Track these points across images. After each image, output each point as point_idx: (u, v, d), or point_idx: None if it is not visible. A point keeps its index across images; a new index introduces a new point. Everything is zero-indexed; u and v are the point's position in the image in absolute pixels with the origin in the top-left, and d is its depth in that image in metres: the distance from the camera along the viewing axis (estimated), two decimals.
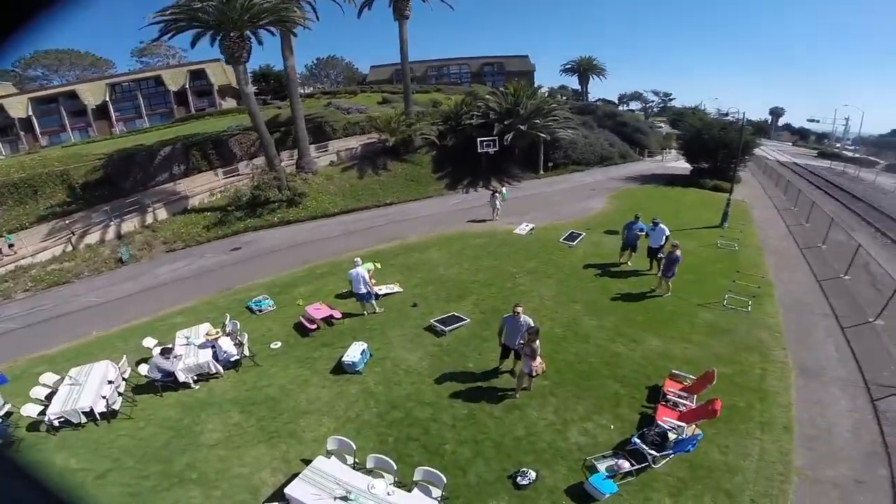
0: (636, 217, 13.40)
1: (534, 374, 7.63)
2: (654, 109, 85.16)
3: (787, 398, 8.06)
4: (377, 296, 12.05)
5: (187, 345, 9.68)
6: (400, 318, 11.37)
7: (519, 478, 6.28)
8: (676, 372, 8.27)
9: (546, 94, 36.77)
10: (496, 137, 25.98)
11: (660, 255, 12.62)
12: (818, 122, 63.00)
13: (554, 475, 6.44)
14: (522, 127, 27.07)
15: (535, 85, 41.86)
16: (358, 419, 7.88)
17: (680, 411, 7.24)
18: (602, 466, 6.23)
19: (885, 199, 28.43)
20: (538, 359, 7.46)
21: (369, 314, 11.56)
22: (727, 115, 32.51)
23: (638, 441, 6.38)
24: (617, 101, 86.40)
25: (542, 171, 30.41)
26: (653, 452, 6.22)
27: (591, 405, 7.83)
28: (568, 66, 64.33)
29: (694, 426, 6.74)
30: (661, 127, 54.95)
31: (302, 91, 53.24)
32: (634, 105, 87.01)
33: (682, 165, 32.89)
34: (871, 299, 12.13)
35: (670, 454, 6.27)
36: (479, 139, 25.54)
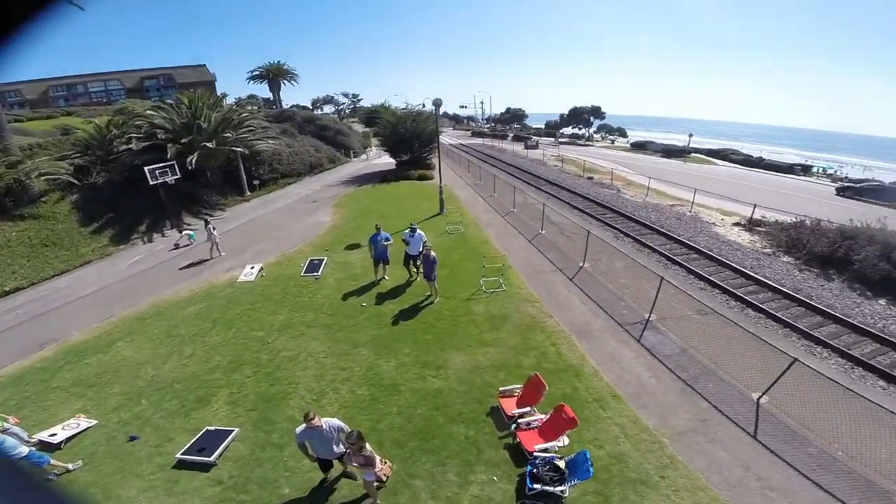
0: (377, 228, 11.97)
1: (383, 479, 5.69)
2: (347, 111, 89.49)
3: (589, 366, 8.46)
4: (52, 447, 6.99)
5: None
6: (122, 465, 6.65)
7: None
8: (503, 388, 7.49)
9: (234, 104, 31.54)
10: (173, 162, 19.80)
11: (418, 261, 11.77)
12: (466, 107, 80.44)
13: None
14: (210, 144, 21.75)
15: (219, 94, 35.69)
16: None
17: (537, 428, 6.56)
18: None
19: (524, 162, 38.41)
20: (378, 461, 5.43)
21: (60, 477, 6.50)
22: (424, 107, 36.03)
23: (537, 486, 5.64)
24: (311, 106, 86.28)
25: (248, 192, 25.87)
26: (560, 487, 5.61)
27: (458, 466, 6.32)
28: (256, 73, 58.57)
29: (564, 438, 6.25)
30: (367, 129, 57.95)
31: None
32: (328, 108, 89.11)
33: (387, 161, 34.79)
34: (569, 246, 14.92)
35: (574, 482, 5.67)
36: (147, 168, 18.74)
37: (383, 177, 29.39)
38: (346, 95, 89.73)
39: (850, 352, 9.21)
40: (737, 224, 18.86)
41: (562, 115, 70.22)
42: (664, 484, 5.93)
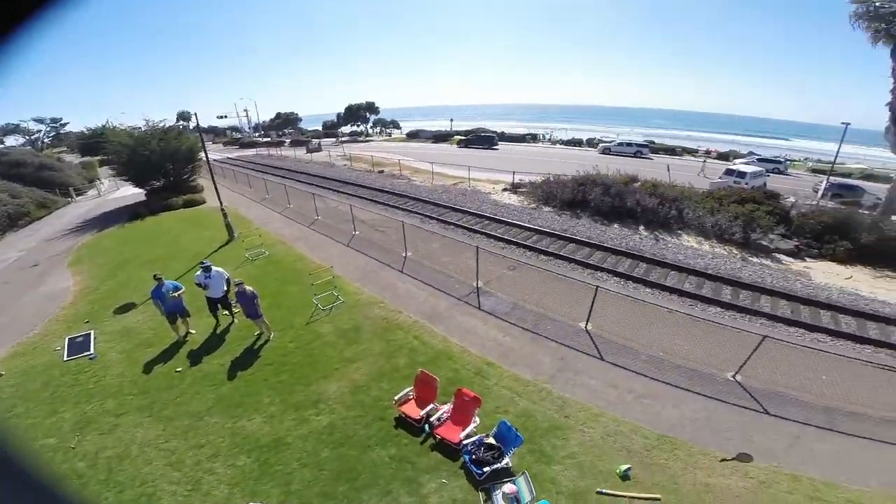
0: (157, 279, 9.49)
1: None
2: (46, 140, 67.21)
3: (455, 345, 8.99)
4: None
5: None
6: None
7: None
8: (397, 396, 7.17)
9: None
10: None
11: (231, 302, 10.04)
12: (226, 116, 70.30)
13: None
14: None
15: None
16: None
17: (449, 419, 6.74)
18: None
19: (311, 166, 36.89)
20: None
21: None
22: (183, 124, 29.57)
23: (486, 468, 5.85)
24: None
25: None
26: (504, 460, 5.97)
27: (403, 487, 5.96)
28: None
29: (476, 418, 6.62)
30: (88, 159, 44.60)
31: None
32: (13, 140, 64.98)
33: (131, 192, 28.42)
34: (386, 239, 15.21)
35: (512, 450, 6.09)
36: None
37: (133, 212, 23.48)
38: (40, 121, 67.16)
39: (617, 270, 12.46)
40: (505, 189, 22.72)
41: (339, 115, 69.89)
42: (572, 422, 6.87)
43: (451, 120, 56.47)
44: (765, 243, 14.82)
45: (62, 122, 68.10)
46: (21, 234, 22.57)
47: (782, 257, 14.35)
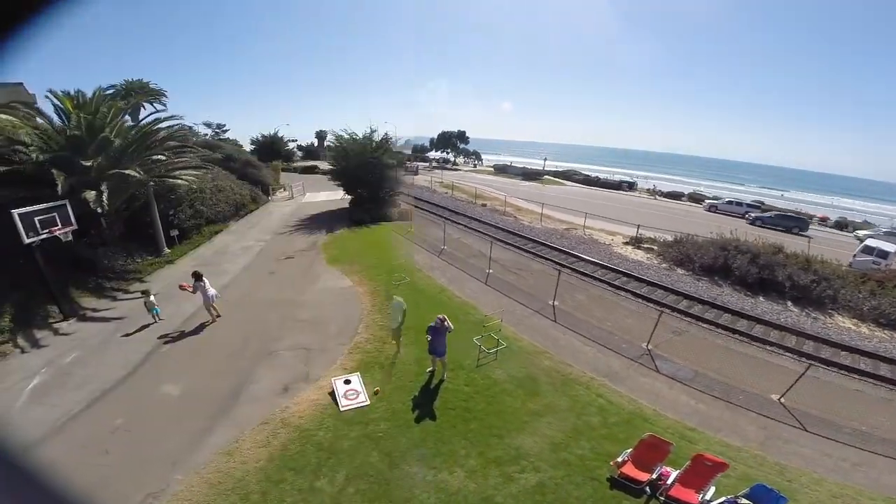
0: (440, 320, 9.01)
1: None
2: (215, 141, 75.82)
3: (646, 408, 9.07)
4: None
5: None
6: None
7: None
8: (619, 458, 7.13)
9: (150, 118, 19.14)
10: (65, 202, 12.10)
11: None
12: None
13: None
14: (131, 171, 14.28)
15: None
16: None
17: (680, 482, 6.71)
18: None
19: (414, 190, 36.98)
20: None
21: None
22: (389, 134, 28.63)
23: None
24: None
25: (166, 250, 17.81)
26: None
27: None
28: (111, 92, 43.66)
29: (712, 484, 6.61)
30: (276, 164, 49.76)
31: None
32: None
33: (329, 198, 30.65)
34: (522, 283, 15.50)
35: None
36: (18, 213, 10.76)
37: (356, 218, 24.55)
38: (208, 125, 74.85)
39: (785, 344, 12.16)
40: (626, 243, 22.16)
41: (431, 140, 73.47)
42: (796, 486, 7.15)
43: (545, 159, 57.37)
44: None
45: (225, 127, 73.89)
46: (244, 224, 23.78)
47: None
